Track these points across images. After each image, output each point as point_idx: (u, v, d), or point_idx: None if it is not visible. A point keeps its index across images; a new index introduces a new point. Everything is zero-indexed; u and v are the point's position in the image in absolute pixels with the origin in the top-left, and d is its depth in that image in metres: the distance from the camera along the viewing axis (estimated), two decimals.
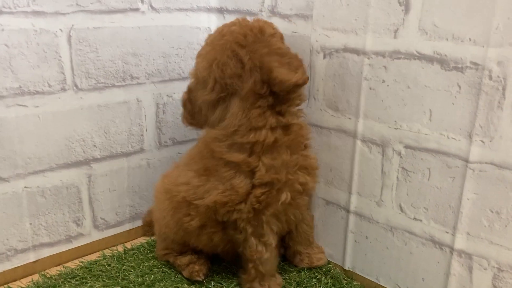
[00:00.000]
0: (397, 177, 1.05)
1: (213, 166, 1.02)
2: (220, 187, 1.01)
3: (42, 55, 1.08)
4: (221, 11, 1.35)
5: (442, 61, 0.92)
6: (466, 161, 0.93)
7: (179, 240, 1.13)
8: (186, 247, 1.15)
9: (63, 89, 1.13)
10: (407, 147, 1.02)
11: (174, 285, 1.11)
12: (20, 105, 1.08)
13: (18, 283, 1.12)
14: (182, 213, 1.07)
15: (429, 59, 0.94)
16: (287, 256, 1.23)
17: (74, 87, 1.15)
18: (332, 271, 1.18)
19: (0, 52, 1.02)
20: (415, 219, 1.03)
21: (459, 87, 0.91)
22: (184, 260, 1.15)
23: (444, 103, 0.94)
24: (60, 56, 1.11)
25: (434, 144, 0.97)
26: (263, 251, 1.06)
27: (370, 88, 1.05)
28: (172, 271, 1.16)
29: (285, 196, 1.02)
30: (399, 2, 0.96)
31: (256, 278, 1.08)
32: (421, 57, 0.95)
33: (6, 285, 1.10)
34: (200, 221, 1.06)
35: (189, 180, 1.06)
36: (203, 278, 1.12)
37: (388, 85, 1.02)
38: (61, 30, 1.10)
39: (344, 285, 1.13)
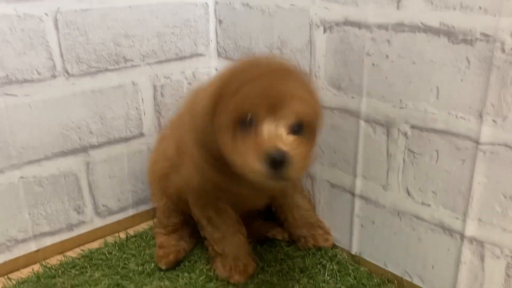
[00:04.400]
0: (404, 160, 0.98)
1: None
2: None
3: (28, 41, 1.04)
4: None
5: (449, 33, 0.84)
6: (477, 142, 0.85)
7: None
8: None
9: (53, 76, 1.09)
10: (413, 127, 0.94)
11: (175, 274, 1.09)
12: (9, 94, 1.04)
13: (18, 273, 1.12)
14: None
15: (435, 32, 0.86)
16: (294, 240, 1.19)
17: (65, 73, 1.11)
18: (338, 256, 1.13)
19: None
20: (423, 204, 0.97)
21: (468, 61, 0.83)
22: (158, 239, 1.16)
23: (452, 80, 0.85)
24: (47, 42, 1.06)
25: (442, 124, 0.89)
26: (212, 231, 1.04)
27: (373, 64, 0.97)
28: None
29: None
30: None
31: (217, 257, 1.07)
32: (426, 29, 0.87)
33: (6, 276, 1.10)
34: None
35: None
36: (165, 266, 1.10)
37: (392, 61, 0.94)
38: (46, 14, 1.05)
39: (350, 271, 1.08)
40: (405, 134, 0.96)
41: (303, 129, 0.80)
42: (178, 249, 1.13)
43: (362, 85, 1.00)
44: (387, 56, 0.94)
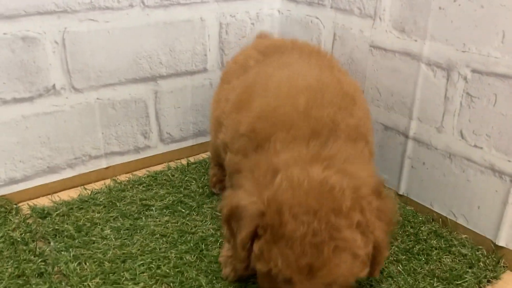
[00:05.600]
0: (461, 103, 1.01)
1: None
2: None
3: None
4: None
5: None
6: None
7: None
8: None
9: (131, 5, 1.17)
10: (474, 71, 0.97)
11: None
12: (92, 19, 1.13)
13: (92, 185, 1.23)
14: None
15: None
16: None
17: (141, 4, 1.18)
18: None
19: None
20: (475, 146, 1.01)
21: None
22: (211, 171, 1.22)
23: None
24: None
25: (503, 68, 0.92)
26: None
27: (440, 8, 1.00)
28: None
29: None
30: None
31: None
32: None
33: (82, 186, 1.22)
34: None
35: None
36: (217, 191, 1.19)
37: (459, 5, 0.96)
38: None
39: (397, 209, 1.14)
40: (465, 78, 0.99)
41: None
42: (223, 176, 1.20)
43: (426, 28, 1.03)
44: (454, 0, 0.97)
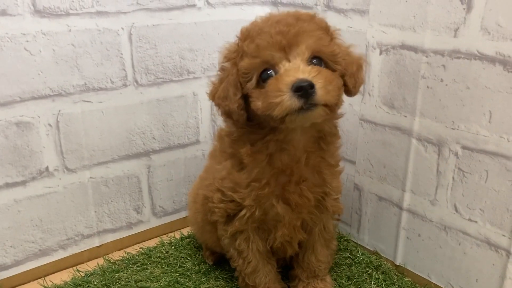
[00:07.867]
0: (453, 177, 1.03)
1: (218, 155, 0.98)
2: (210, 179, 0.98)
3: (105, 53, 1.13)
4: (275, 3, 1.35)
5: (505, 62, 0.89)
6: None
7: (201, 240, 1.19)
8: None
9: (125, 85, 1.19)
10: (464, 147, 1.00)
11: (229, 274, 1.16)
12: (86, 101, 1.14)
13: (85, 266, 1.21)
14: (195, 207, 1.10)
15: (491, 60, 0.91)
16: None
17: (135, 83, 1.20)
18: (383, 265, 1.19)
19: (68, 52, 1.08)
20: (470, 220, 1.02)
21: None
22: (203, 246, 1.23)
23: (505, 105, 0.91)
24: (121, 54, 1.16)
25: (493, 146, 0.95)
26: (243, 265, 1.01)
27: (428, 87, 1.03)
28: (226, 261, 1.21)
29: (244, 212, 0.93)
30: (461, 0, 0.93)
31: (248, 287, 1.04)
32: (482, 57, 0.93)
33: (74, 267, 1.19)
34: (202, 214, 1.05)
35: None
36: (211, 263, 1.20)
37: (446, 85, 1.00)
38: (122, 28, 1.14)
39: (395, 280, 1.14)
40: (456, 154, 1.02)
41: (323, 62, 0.83)
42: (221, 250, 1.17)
43: (415, 105, 1.06)
44: (441, 80, 1.01)
